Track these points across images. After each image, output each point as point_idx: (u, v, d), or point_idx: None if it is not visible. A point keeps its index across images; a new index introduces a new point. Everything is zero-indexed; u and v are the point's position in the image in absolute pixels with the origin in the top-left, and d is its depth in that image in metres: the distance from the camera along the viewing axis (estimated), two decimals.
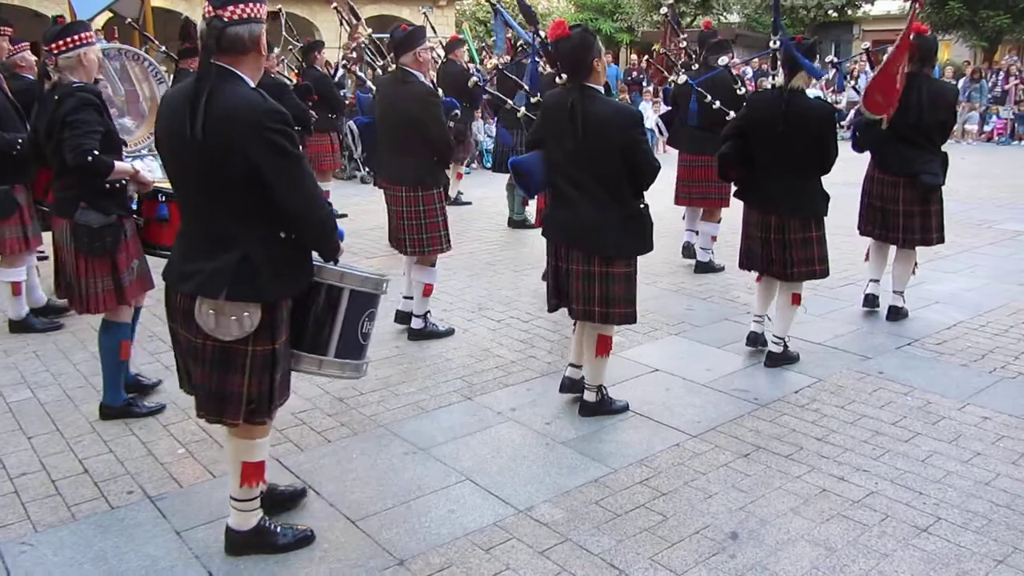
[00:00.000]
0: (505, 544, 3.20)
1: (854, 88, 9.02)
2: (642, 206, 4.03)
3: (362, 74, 9.10)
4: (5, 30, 5.83)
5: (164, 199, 4.29)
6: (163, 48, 9.22)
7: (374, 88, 7.08)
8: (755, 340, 5.18)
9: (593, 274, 4.00)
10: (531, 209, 8.93)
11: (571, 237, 4.04)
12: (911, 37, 5.29)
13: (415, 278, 5.44)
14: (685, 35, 8.94)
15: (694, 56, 8.22)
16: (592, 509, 3.45)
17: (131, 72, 8.89)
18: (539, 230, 6.98)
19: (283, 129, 2.69)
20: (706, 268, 7.24)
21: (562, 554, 3.13)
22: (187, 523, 3.33)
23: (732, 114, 6.13)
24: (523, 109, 5.63)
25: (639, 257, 4.11)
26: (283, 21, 9.15)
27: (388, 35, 5.59)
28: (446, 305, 6.18)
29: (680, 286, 6.71)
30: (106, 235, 4.03)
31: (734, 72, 7.24)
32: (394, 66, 5.44)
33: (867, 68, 8.13)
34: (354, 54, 9.59)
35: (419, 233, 5.28)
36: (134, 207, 4.27)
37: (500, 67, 6.14)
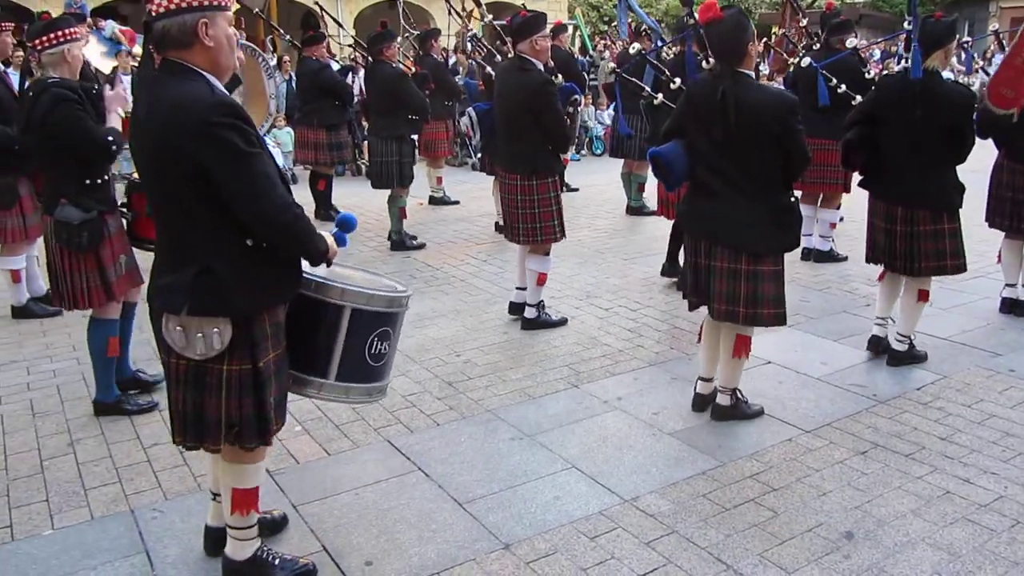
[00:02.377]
0: (610, 533, 3.19)
1: (984, 71, 8.47)
2: (792, 199, 3.84)
3: (478, 64, 9.19)
4: (6, 26, 5.88)
5: None
6: (287, 36, 9.55)
7: (491, 73, 7.12)
8: (877, 344, 4.88)
9: (739, 272, 3.79)
10: (647, 195, 8.82)
11: (716, 232, 3.84)
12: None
13: (528, 266, 5.45)
14: (806, 16, 8.62)
15: (816, 38, 7.92)
16: (699, 502, 3.39)
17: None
18: (656, 218, 6.92)
19: (231, 123, 2.40)
20: (825, 257, 6.98)
21: (668, 546, 3.10)
22: (302, 498, 3.46)
23: (858, 98, 5.86)
24: (660, 97, 5.46)
25: None
26: (400, 10, 9.34)
27: (506, 22, 5.59)
28: (554, 292, 6.18)
29: (794, 276, 6.50)
30: (84, 231, 3.95)
31: (866, 55, 6.93)
32: (512, 53, 5.45)
33: (999, 50, 7.62)
34: (469, 44, 9.70)
35: (533, 222, 5.28)
36: (121, 202, 4.28)
37: (644, 53, 5.96)
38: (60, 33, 3.99)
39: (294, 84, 10.12)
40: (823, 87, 6.46)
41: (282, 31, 9.94)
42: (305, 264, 2.78)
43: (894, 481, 3.53)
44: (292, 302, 2.73)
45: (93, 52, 10.53)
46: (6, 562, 3.07)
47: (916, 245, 4.51)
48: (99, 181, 4.07)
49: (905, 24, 4.78)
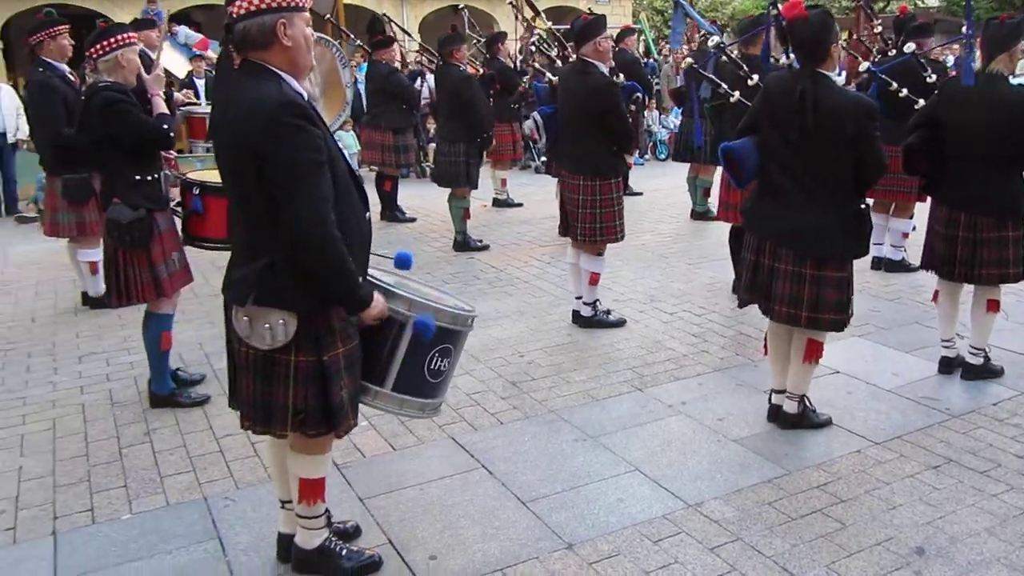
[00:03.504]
0: (674, 537, 3.17)
1: None
2: (863, 206, 3.77)
3: (540, 68, 9.24)
4: (61, 29, 5.94)
5: (198, 192, 4.33)
6: (357, 41, 9.71)
7: (552, 79, 7.15)
8: (949, 365, 4.73)
9: (804, 276, 3.73)
10: (713, 200, 8.74)
11: (782, 234, 3.79)
12: None
13: (582, 266, 5.47)
14: (879, 20, 8.45)
15: (889, 43, 7.75)
16: (765, 510, 3.36)
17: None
18: (719, 223, 6.83)
19: (295, 124, 2.43)
20: (897, 267, 6.83)
21: (732, 553, 3.08)
22: (369, 491, 3.53)
23: (921, 102, 5.72)
24: (737, 94, 5.39)
25: None
26: (465, 17, 9.43)
27: (568, 26, 5.61)
28: (617, 296, 6.17)
29: (864, 285, 6.36)
30: (135, 230, 4.07)
31: (930, 58, 6.75)
32: (574, 57, 5.48)
33: None
34: (533, 47, 9.75)
35: (594, 222, 5.30)
36: (175, 200, 4.38)
37: (723, 45, 5.89)
38: (113, 40, 4.11)
39: (361, 87, 10.27)
40: (874, 90, 6.30)
41: (352, 35, 10.12)
42: (377, 272, 2.82)
43: (968, 498, 3.44)
44: None
45: (167, 56, 10.88)
46: (88, 543, 3.19)
47: (978, 252, 4.38)
48: (149, 179, 4.19)
49: (963, 29, 4.63)
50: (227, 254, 2.85)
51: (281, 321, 2.57)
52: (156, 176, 4.25)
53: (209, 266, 6.65)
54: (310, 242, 2.47)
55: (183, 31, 12.70)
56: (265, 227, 2.56)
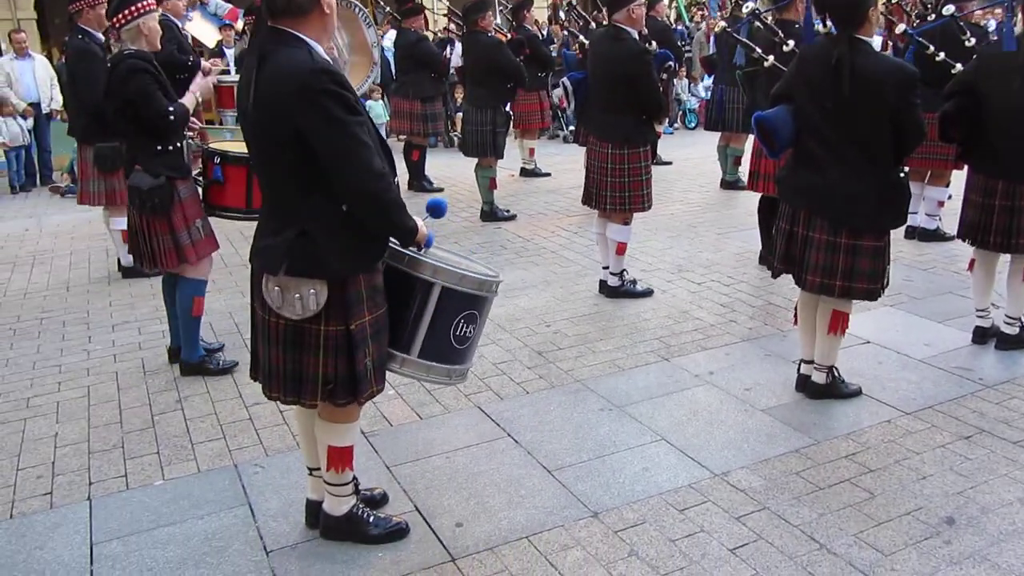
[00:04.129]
0: (700, 507, 3.17)
1: None
2: (902, 174, 3.68)
3: (574, 31, 9.12)
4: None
5: (219, 161, 4.36)
6: (387, 8, 9.65)
7: (585, 43, 7.05)
8: (983, 335, 4.65)
9: (838, 245, 3.67)
10: (743, 170, 8.63)
11: (817, 204, 3.71)
12: None
13: (609, 236, 5.44)
14: None
15: (929, 7, 7.55)
16: (792, 479, 3.34)
17: None
18: (748, 193, 6.74)
19: (333, 90, 2.46)
20: (931, 236, 6.71)
21: (759, 522, 3.07)
22: (395, 459, 3.56)
23: (958, 67, 5.58)
24: (771, 59, 5.28)
25: None
26: None
27: None
28: (645, 265, 6.13)
29: (898, 255, 6.25)
30: (155, 196, 4.11)
31: (968, 21, 6.57)
32: (606, 22, 5.40)
33: None
34: (563, 14, 9.64)
35: (622, 191, 5.27)
36: (197, 170, 4.41)
37: (757, 11, 5.79)
38: (134, 8, 4.11)
39: (390, 55, 10.23)
40: (910, 57, 6.15)
41: (381, 2, 10.06)
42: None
43: (1000, 468, 3.39)
44: (384, 275, 2.76)
45: (197, 26, 10.85)
46: (122, 508, 3.26)
47: (1016, 220, 4.29)
48: (171, 148, 4.22)
49: None
50: (254, 225, 2.87)
51: (313, 291, 2.58)
52: (179, 145, 4.28)
53: (239, 235, 6.72)
54: (376, 195, 2.55)
55: (213, 1, 12.70)
56: (297, 195, 2.60)
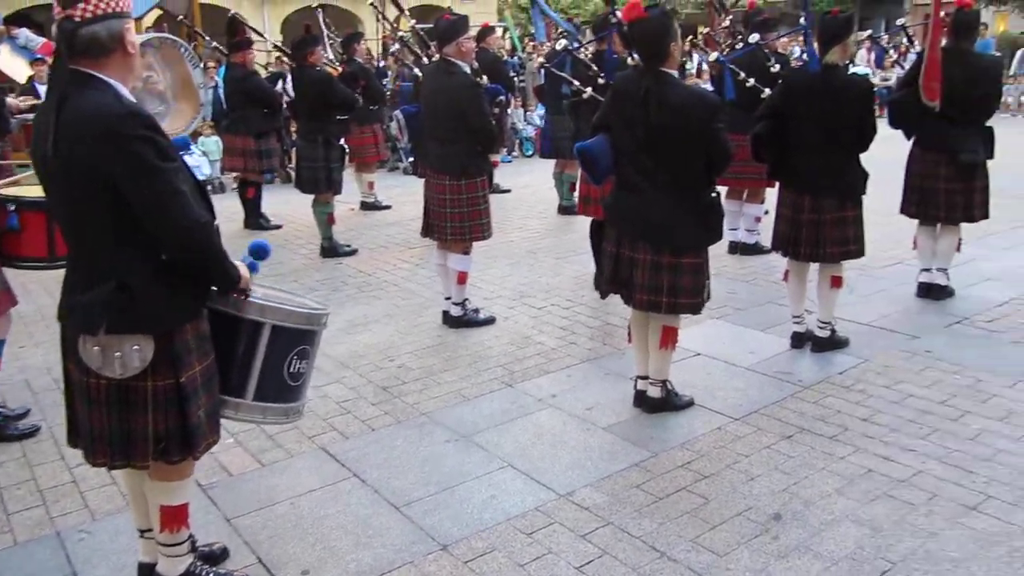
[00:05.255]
0: (547, 528, 3.22)
1: (900, 65, 8.83)
2: (713, 195, 3.91)
3: (408, 64, 9.18)
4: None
5: (14, 208, 4.02)
6: (213, 43, 9.39)
7: (420, 75, 7.12)
8: (799, 339, 4.99)
9: (661, 265, 3.87)
10: (577, 195, 8.91)
11: (639, 228, 3.91)
12: (945, 14, 5.18)
13: (450, 266, 5.49)
14: (731, 15, 8.83)
15: (739, 36, 8.12)
16: (633, 493, 3.46)
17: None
18: (584, 218, 6.99)
19: (146, 136, 2.35)
20: (751, 250, 7.16)
21: (603, 537, 3.15)
22: (236, 510, 3.42)
23: (767, 91, 6.03)
24: (589, 91, 5.48)
25: None
26: (320, 17, 9.26)
27: (431, 25, 5.59)
28: (487, 294, 6.21)
29: (722, 269, 6.64)
30: None
31: (772, 49, 7.12)
32: (437, 56, 5.47)
33: (913, 45, 7.91)
34: (397, 45, 9.68)
35: (461, 221, 5.32)
36: None
37: (569, 48, 6.03)
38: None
39: (220, 91, 9.93)
40: (729, 81, 6.63)
41: (207, 37, 9.77)
42: None
43: (819, 463, 3.64)
44: (210, 318, 2.66)
45: (6, 60, 10.13)
46: None
47: (822, 232, 4.68)
48: None
49: (801, 20, 4.94)
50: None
51: (136, 347, 2.45)
52: None
53: (56, 285, 6.28)
54: (197, 245, 2.47)
55: (24, 34, 11.90)
56: (109, 246, 2.45)
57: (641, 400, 4.23)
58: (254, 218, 8.77)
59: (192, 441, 2.61)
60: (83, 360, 2.49)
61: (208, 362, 2.64)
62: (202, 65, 9.53)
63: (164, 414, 2.54)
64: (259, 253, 2.82)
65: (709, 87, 8.02)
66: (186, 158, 10.84)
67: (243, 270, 2.67)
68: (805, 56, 5.31)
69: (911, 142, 5.70)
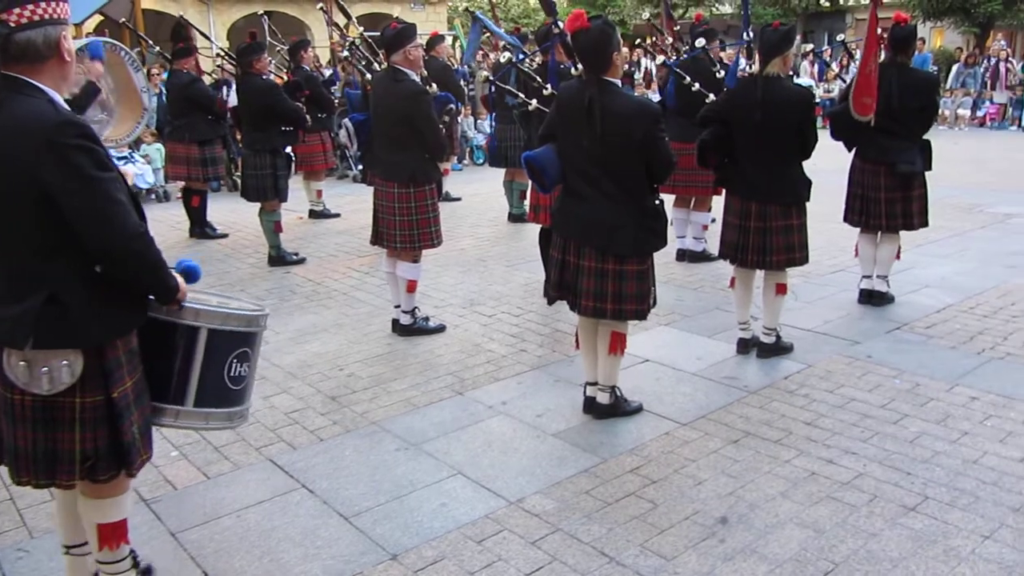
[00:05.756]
0: (497, 536, 3.22)
1: (841, 78, 9.08)
2: (657, 202, 3.96)
3: (358, 71, 9.13)
4: None
5: None
6: (156, 48, 9.24)
7: (369, 82, 7.09)
8: (745, 345, 5.08)
9: (606, 271, 3.91)
10: (528, 203, 8.95)
11: (584, 234, 3.95)
12: (882, 29, 5.33)
13: (399, 274, 5.47)
14: (678, 26, 8.97)
15: (685, 40, 8.25)
16: (583, 499, 3.47)
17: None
18: (534, 225, 7.03)
19: (79, 144, 2.30)
20: (699, 257, 7.27)
21: (553, 544, 3.16)
22: (181, 524, 3.35)
23: (712, 96, 6.14)
24: (534, 102, 5.52)
25: None
26: (265, 24, 9.16)
27: (379, 33, 5.57)
28: (437, 302, 6.20)
29: (670, 276, 6.73)
30: None
31: (717, 57, 7.26)
32: (386, 64, 5.46)
33: (854, 59, 8.15)
34: (346, 52, 9.63)
35: (411, 229, 5.31)
36: None
37: (514, 61, 6.06)
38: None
39: (164, 98, 9.77)
40: (671, 89, 6.73)
41: (151, 42, 9.61)
42: None
43: (764, 466, 3.71)
44: (144, 326, 2.60)
45: None
46: None
47: (768, 240, 4.77)
48: None
49: (744, 35, 5.05)
50: None
51: (65, 362, 2.38)
52: None
53: None
54: (135, 255, 2.41)
55: None
56: (39, 258, 2.38)
57: (591, 406, 4.25)
58: (200, 227, 8.64)
59: (127, 458, 2.54)
60: (7, 376, 2.41)
61: (138, 377, 2.58)
62: (145, 71, 9.38)
63: (93, 432, 2.47)
64: (189, 276, 2.73)
65: (656, 97, 8.15)
66: (129, 166, 10.66)
67: (181, 282, 2.62)
68: (750, 68, 5.44)
69: (852, 153, 5.85)
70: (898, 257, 5.95)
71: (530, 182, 7.89)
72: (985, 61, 19.28)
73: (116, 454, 2.52)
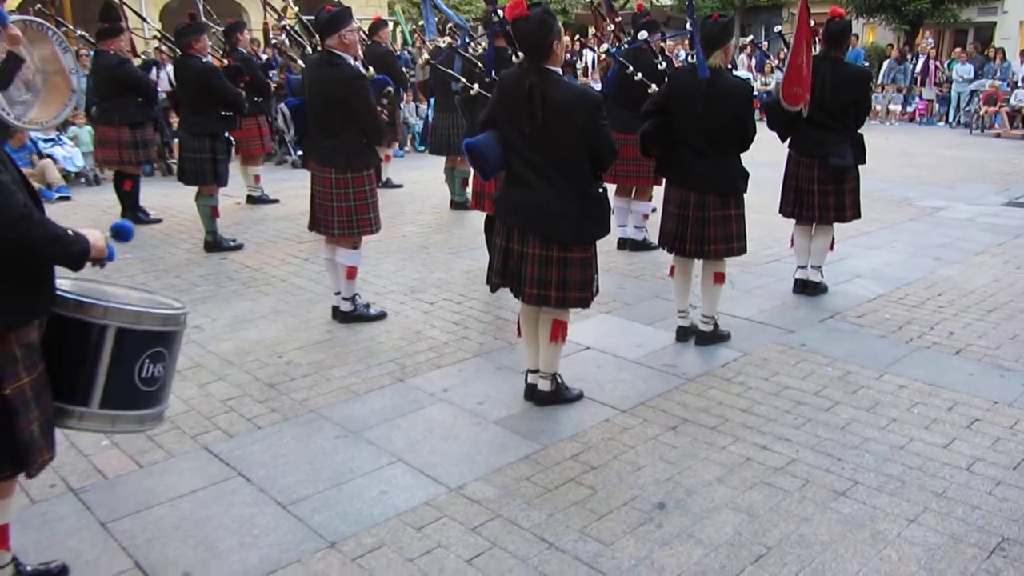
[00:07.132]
0: (437, 523, 3.22)
1: (780, 70, 9.26)
2: (600, 189, 3.97)
3: (292, 55, 8.94)
4: None
5: None
6: (79, 32, 8.93)
7: (303, 66, 6.98)
8: (684, 334, 5.15)
9: (550, 259, 3.91)
10: (471, 191, 8.93)
11: (528, 222, 3.93)
12: (817, 23, 5.44)
13: (339, 261, 5.40)
14: (619, 17, 9.02)
15: (626, 39, 8.29)
16: (523, 485, 3.49)
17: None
18: (476, 212, 7.02)
19: None
20: (639, 246, 7.34)
21: (493, 530, 3.17)
22: (112, 514, 3.27)
23: (654, 87, 6.19)
24: (476, 87, 5.48)
25: None
26: (200, 4, 8.91)
27: (314, 16, 5.48)
28: (379, 289, 6.15)
29: (611, 265, 6.79)
30: None
31: (656, 48, 7.31)
32: (320, 47, 5.37)
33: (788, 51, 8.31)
34: (283, 35, 9.43)
35: (349, 215, 5.24)
36: None
37: (454, 46, 6.02)
38: None
39: (90, 79, 9.45)
40: (611, 76, 6.77)
41: (71, 25, 9.26)
42: (64, 282, 2.58)
43: (701, 452, 3.77)
44: (48, 324, 2.50)
45: None
46: None
47: (707, 230, 4.83)
48: None
49: (687, 26, 5.11)
50: None
51: None
52: None
53: None
54: (20, 241, 2.28)
55: None
56: None
57: (532, 393, 4.27)
58: (132, 211, 8.39)
59: (25, 458, 2.44)
60: None
61: (38, 373, 2.47)
62: (75, 50, 9.07)
63: None
64: (121, 235, 2.63)
65: (599, 86, 8.19)
66: (56, 148, 10.30)
67: (94, 239, 2.49)
68: (691, 59, 5.50)
69: (787, 145, 5.96)
70: (832, 248, 6.10)
71: (472, 169, 7.92)
72: (914, 58, 19.89)
73: (12, 452, 2.41)
